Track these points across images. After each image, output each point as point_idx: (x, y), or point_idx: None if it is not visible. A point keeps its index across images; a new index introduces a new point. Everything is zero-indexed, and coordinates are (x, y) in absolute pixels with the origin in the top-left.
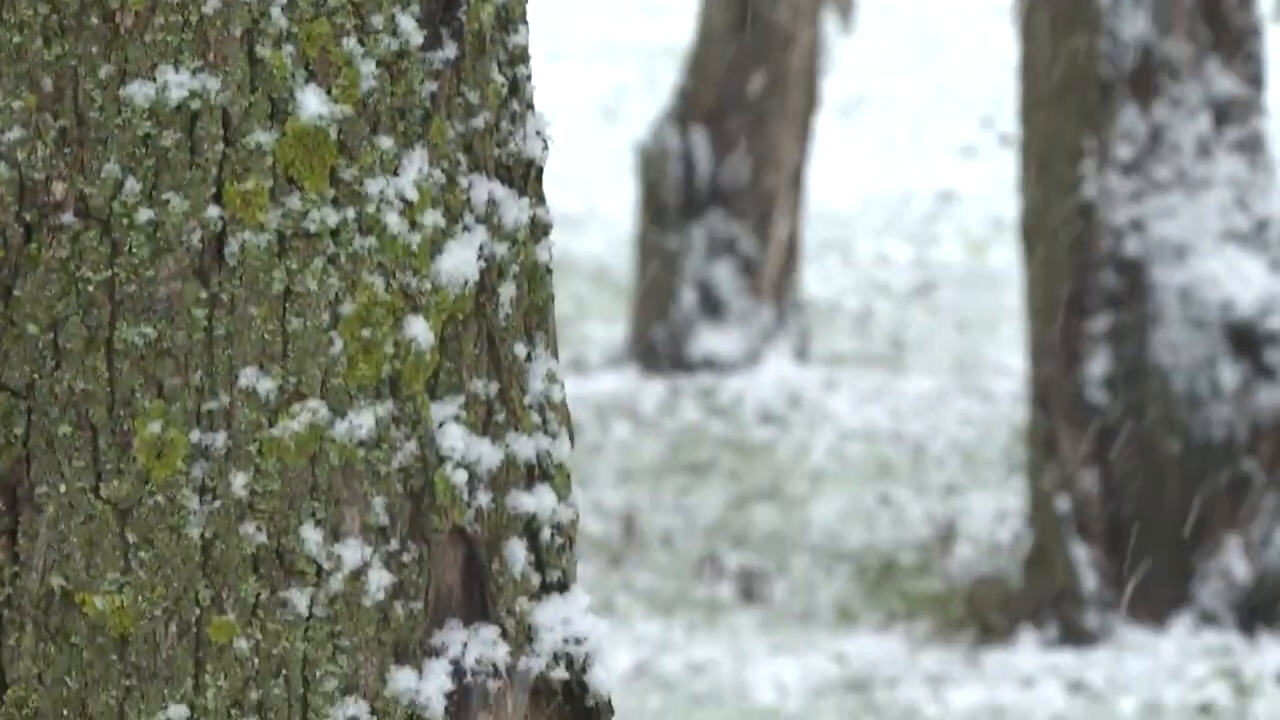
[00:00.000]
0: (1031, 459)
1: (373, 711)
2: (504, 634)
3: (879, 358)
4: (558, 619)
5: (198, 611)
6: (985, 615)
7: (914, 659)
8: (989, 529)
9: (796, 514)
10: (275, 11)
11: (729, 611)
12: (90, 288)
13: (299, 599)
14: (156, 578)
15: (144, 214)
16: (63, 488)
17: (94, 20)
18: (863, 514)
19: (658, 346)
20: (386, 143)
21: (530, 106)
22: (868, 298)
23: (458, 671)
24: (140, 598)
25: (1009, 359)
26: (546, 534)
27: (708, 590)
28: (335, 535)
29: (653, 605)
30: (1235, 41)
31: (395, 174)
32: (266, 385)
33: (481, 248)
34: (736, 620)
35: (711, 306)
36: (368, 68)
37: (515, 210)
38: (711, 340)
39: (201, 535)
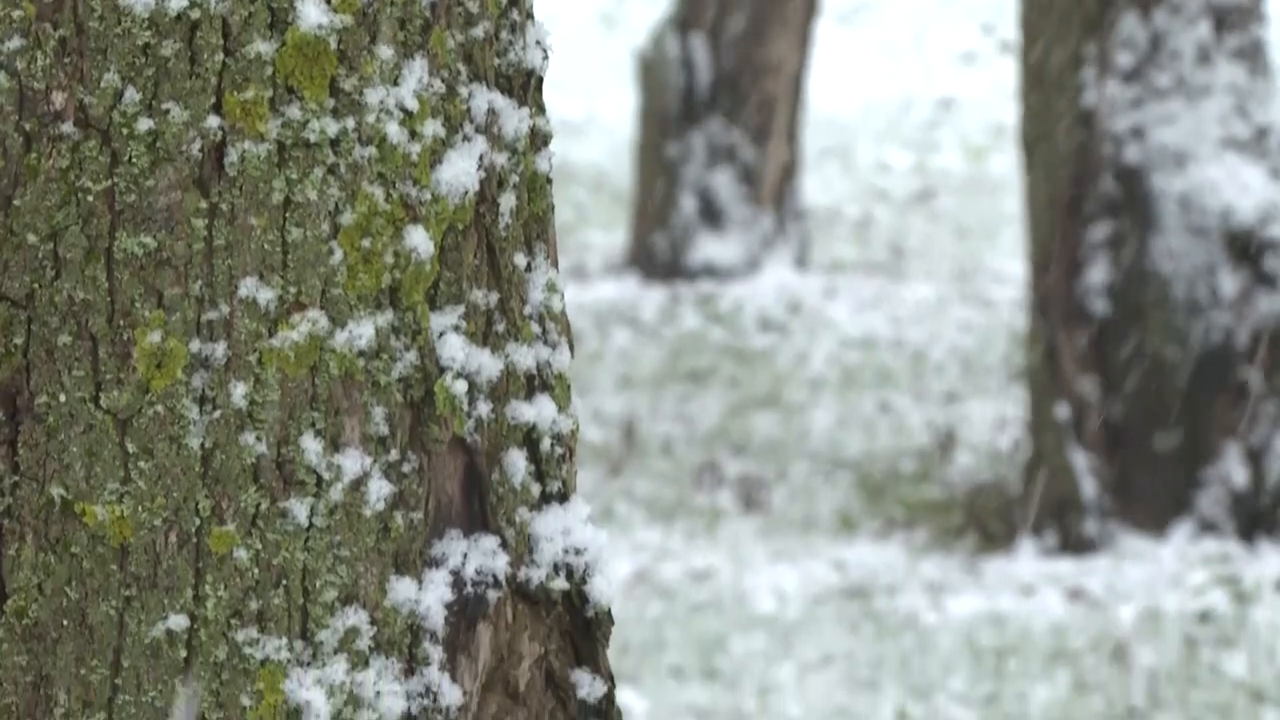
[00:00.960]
0: (1031, 366)
1: (372, 621)
2: (504, 544)
3: (879, 265)
4: (558, 529)
5: (198, 522)
6: (985, 523)
7: (913, 567)
8: (988, 436)
9: (796, 421)
10: None
11: (728, 519)
12: (90, 197)
13: (299, 509)
14: (156, 488)
15: (144, 124)
16: (63, 397)
17: None
18: (862, 421)
19: (657, 254)
20: (386, 52)
21: (530, 16)
22: (868, 205)
23: (458, 582)
24: (140, 508)
25: (1009, 266)
26: (546, 444)
27: (707, 498)
28: (335, 445)
29: (652, 513)
30: None
31: (395, 84)
32: (266, 295)
33: (481, 158)
34: (736, 528)
35: (711, 214)
36: None
37: (515, 120)
38: (711, 247)
39: (201, 445)
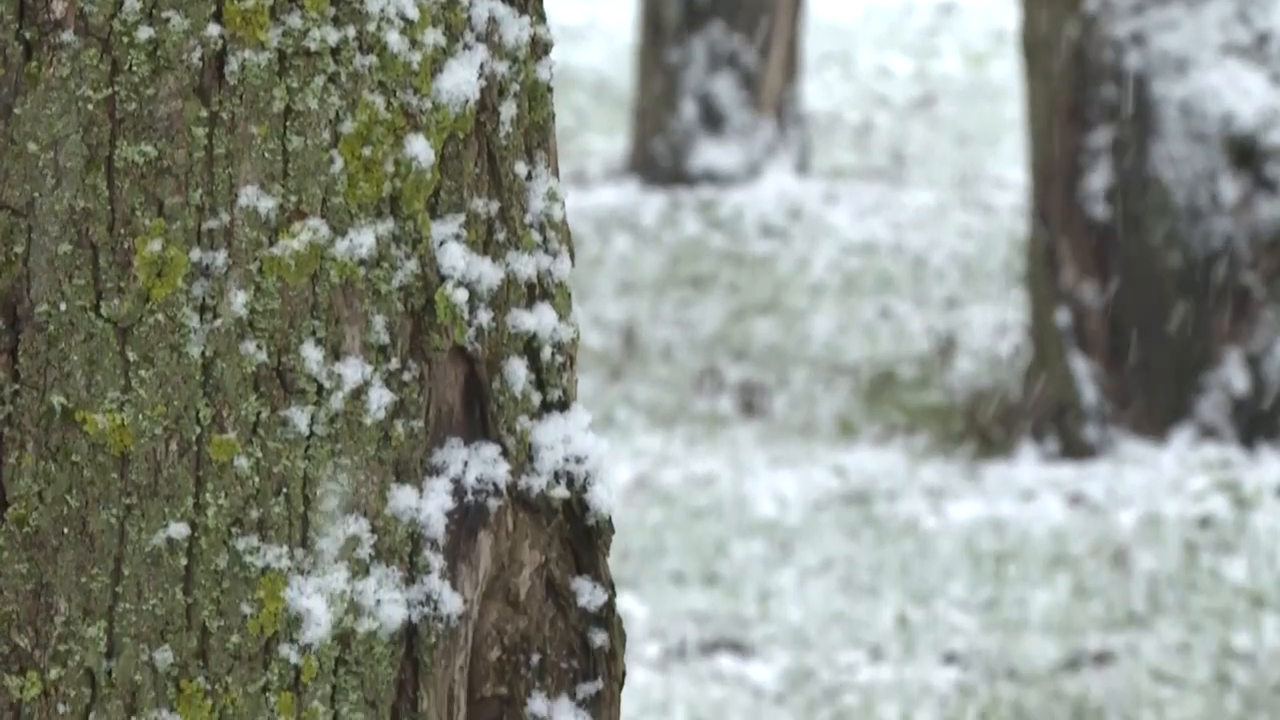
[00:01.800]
0: (1031, 272)
1: (373, 530)
2: (504, 453)
3: (879, 171)
4: (558, 437)
5: (198, 430)
6: (985, 428)
7: (913, 472)
8: (989, 342)
9: (796, 327)
10: None
11: (729, 425)
12: (90, 106)
13: (299, 417)
14: (157, 396)
15: (144, 32)
16: (63, 306)
17: None
18: (863, 327)
19: (658, 159)
20: None
21: None
22: (868, 111)
23: (458, 490)
24: (141, 416)
25: (1009, 172)
26: (547, 352)
27: (708, 403)
28: (336, 354)
29: (653, 418)
30: None
31: None
32: (267, 204)
33: (482, 66)
34: (736, 433)
35: (712, 119)
36: None
37: (516, 28)
38: (712, 153)
39: (202, 354)
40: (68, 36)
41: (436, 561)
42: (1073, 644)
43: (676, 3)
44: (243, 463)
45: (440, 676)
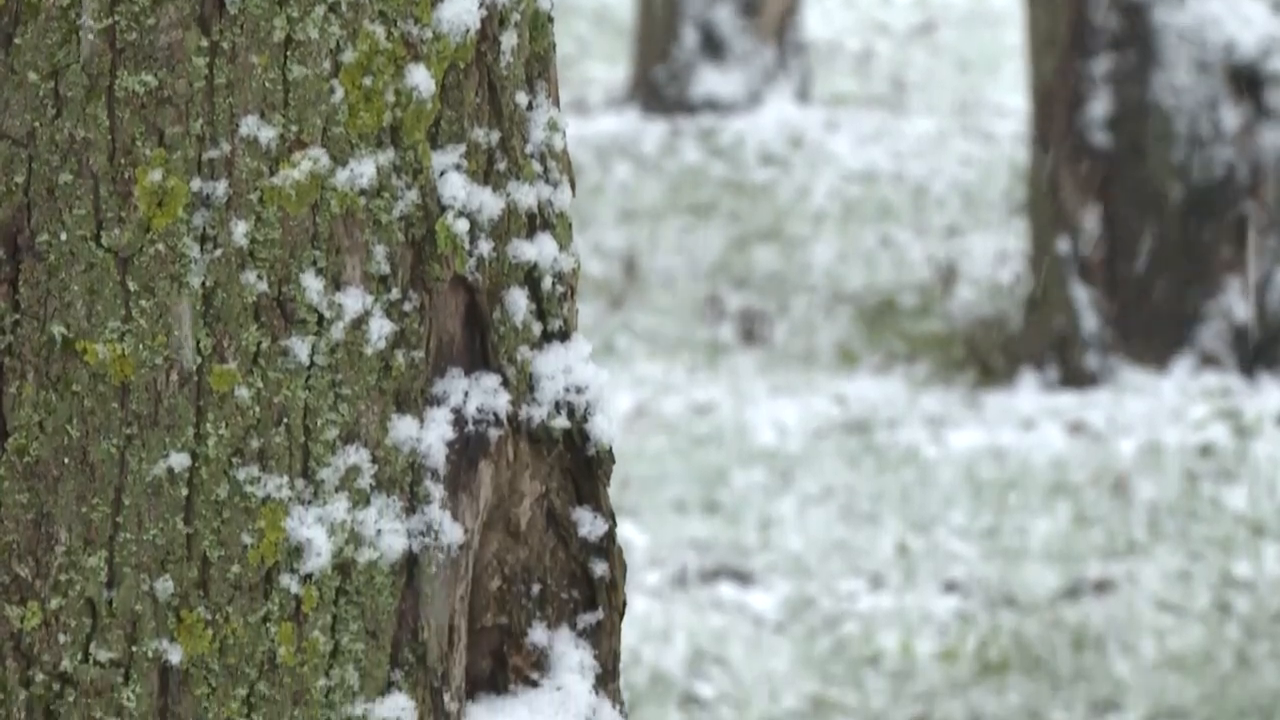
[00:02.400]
0: (1032, 200)
1: (374, 460)
2: (505, 383)
3: (880, 99)
4: (559, 368)
5: (199, 360)
6: (985, 357)
7: (914, 400)
8: (990, 270)
9: (797, 255)
10: None
11: (729, 353)
12: (91, 36)
13: (300, 347)
14: (157, 326)
15: None
16: (63, 236)
17: None
18: (863, 255)
19: (659, 87)
20: None
21: None
22: (869, 38)
23: (459, 420)
24: (141, 346)
25: (1010, 100)
26: (548, 283)
27: (708, 332)
28: (336, 284)
29: (653, 347)
30: None
31: None
32: (268, 133)
33: None
34: (737, 362)
35: (713, 47)
36: None
37: None
38: (713, 81)
39: (202, 283)
40: None
41: (437, 491)
42: (1073, 572)
43: None
44: (243, 393)
45: (441, 606)
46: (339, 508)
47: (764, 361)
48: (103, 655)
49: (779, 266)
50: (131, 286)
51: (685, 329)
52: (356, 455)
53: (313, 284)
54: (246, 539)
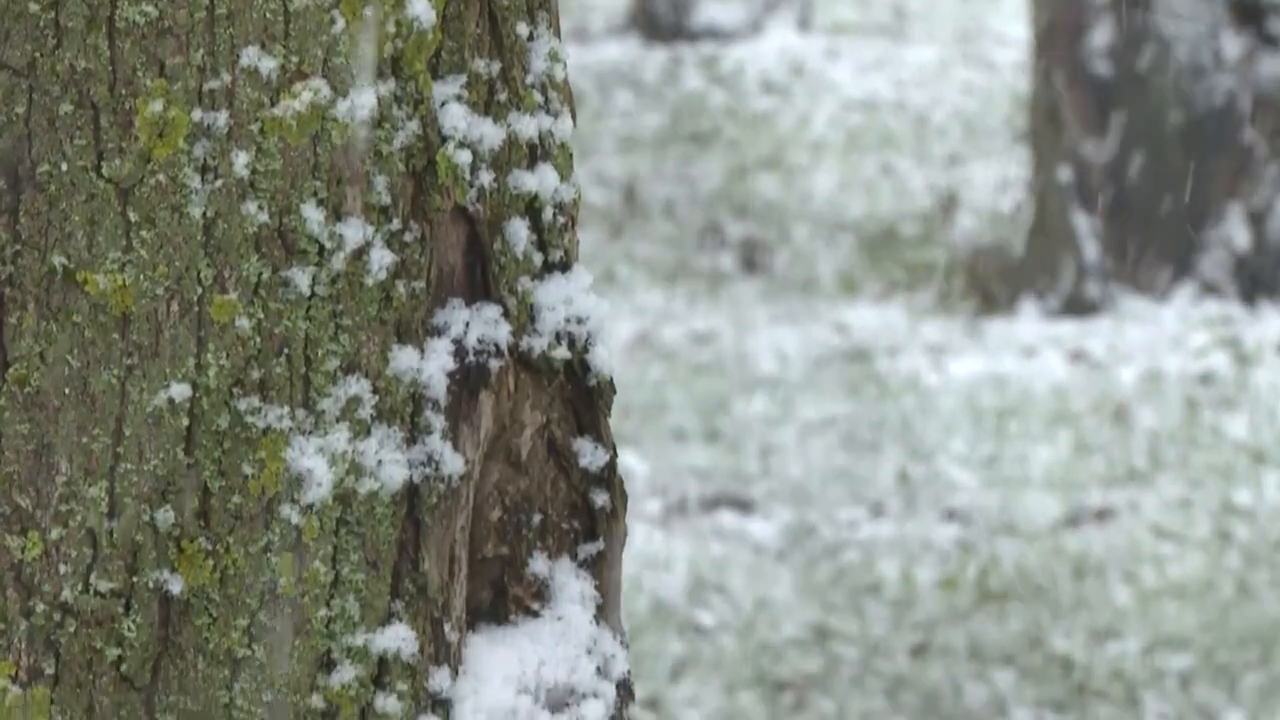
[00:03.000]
0: (1033, 129)
1: (374, 390)
2: (506, 313)
3: (881, 27)
4: (559, 298)
5: (199, 290)
6: (987, 285)
7: (915, 329)
8: (991, 199)
9: (798, 184)
10: None
11: (730, 281)
12: None
13: (301, 278)
14: (158, 256)
15: None
16: (64, 166)
17: None
18: (864, 184)
19: (660, 15)
20: None
21: None
22: None
23: (460, 351)
24: (142, 276)
25: (1012, 28)
26: (548, 213)
27: (709, 260)
28: (337, 215)
29: (654, 275)
30: None
31: None
32: (268, 64)
33: None
34: (738, 290)
35: None
36: None
37: None
38: (713, 9)
39: (203, 214)
40: None
41: (438, 422)
42: (1073, 500)
43: None
44: (244, 323)
45: (441, 537)
46: (340, 438)
47: (765, 290)
48: (103, 585)
49: (779, 195)
50: (132, 217)
51: (686, 257)
52: (357, 386)
53: (313, 215)
54: (247, 469)
